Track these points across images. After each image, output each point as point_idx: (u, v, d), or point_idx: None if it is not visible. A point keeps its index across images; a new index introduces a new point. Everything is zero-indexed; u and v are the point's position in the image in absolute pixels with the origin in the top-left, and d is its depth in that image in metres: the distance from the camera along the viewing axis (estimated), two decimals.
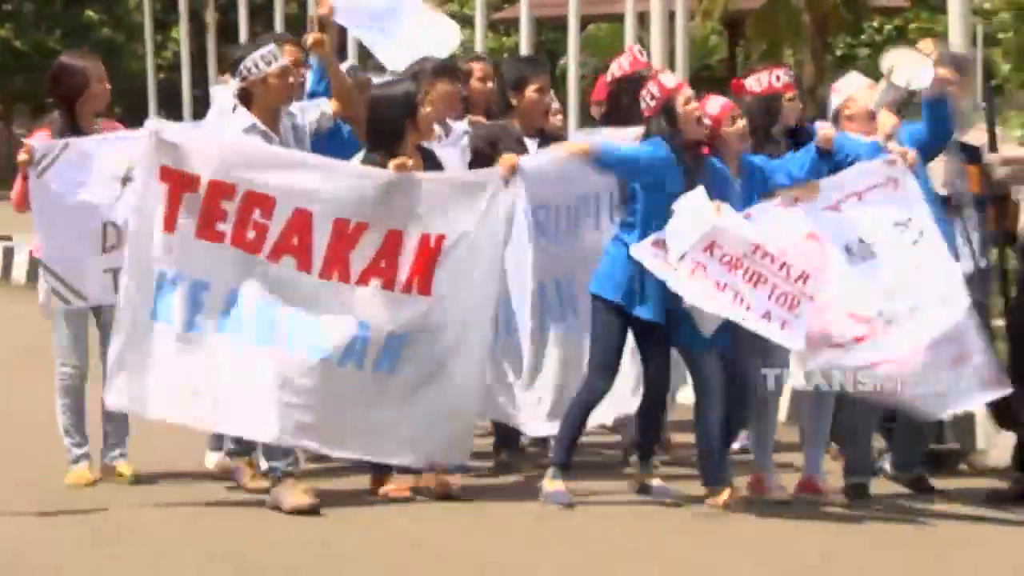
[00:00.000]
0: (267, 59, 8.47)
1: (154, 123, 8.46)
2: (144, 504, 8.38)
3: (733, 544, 7.84)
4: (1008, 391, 8.32)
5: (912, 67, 8.62)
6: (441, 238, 8.42)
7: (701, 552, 7.68)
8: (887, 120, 8.79)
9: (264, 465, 8.52)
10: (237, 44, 22.40)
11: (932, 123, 8.58)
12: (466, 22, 31.43)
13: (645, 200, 8.43)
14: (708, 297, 8.16)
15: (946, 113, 8.64)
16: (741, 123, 8.47)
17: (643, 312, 8.42)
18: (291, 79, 8.67)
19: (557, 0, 18.28)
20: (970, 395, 8.36)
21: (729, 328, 8.31)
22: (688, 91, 8.47)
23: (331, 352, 8.31)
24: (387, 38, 9.56)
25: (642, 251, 8.25)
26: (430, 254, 8.42)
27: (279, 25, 20.47)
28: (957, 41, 10.67)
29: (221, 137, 8.50)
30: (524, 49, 16.61)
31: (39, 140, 8.88)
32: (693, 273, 8.15)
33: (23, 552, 7.54)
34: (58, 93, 8.99)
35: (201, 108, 25.05)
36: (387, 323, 8.38)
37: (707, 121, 8.41)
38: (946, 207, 8.82)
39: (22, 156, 8.77)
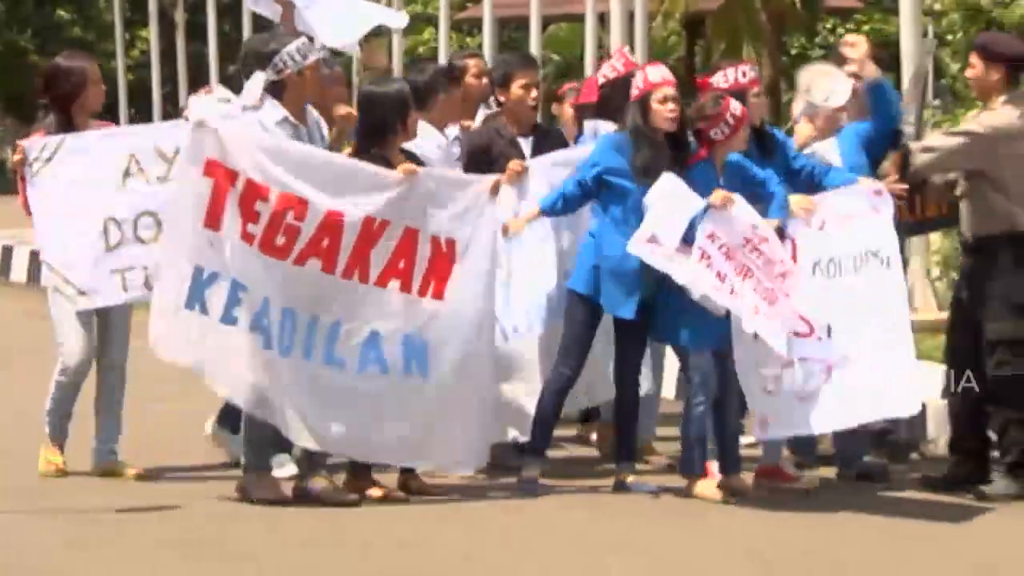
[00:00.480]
0: (303, 52, 8.28)
1: (199, 113, 8.20)
2: (137, 503, 8.21)
3: (718, 535, 7.83)
4: (915, 412, 8.37)
5: (829, 84, 8.73)
6: (452, 243, 8.30)
7: (687, 544, 7.67)
8: (803, 131, 8.89)
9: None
10: (204, 40, 22.29)
11: (876, 107, 8.70)
12: (430, 22, 31.38)
13: (601, 195, 8.51)
14: (716, 288, 8.17)
15: (888, 97, 8.74)
16: (747, 131, 8.50)
17: (607, 306, 8.45)
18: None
19: (519, 0, 18.26)
20: (881, 408, 8.33)
21: (724, 326, 8.36)
22: (667, 90, 8.44)
23: (347, 360, 8.15)
24: (333, 16, 9.51)
25: (639, 247, 8.23)
26: (444, 258, 8.28)
27: (247, 25, 20.40)
28: (908, 42, 10.72)
29: (258, 134, 8.19)
30: (487, 48, 16.59)
31: (34, 140, 8.69)
32: (700, 261, 8.16)
33: (17, 552, 7.38)
34: (55, 94, 8.79)
35: (170, 106, 24.98)
36: (403, 326, 8.21)
37: (731, 121, 8.36)
38: None
39: (16, 156, 8.64)
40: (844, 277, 8.38)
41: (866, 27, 34.07)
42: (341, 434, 8.18)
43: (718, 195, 8.24)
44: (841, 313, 8.34)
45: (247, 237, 8.02)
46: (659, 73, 8.54)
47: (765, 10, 23.31)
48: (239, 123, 8.25)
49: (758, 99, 8.77)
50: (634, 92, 8.50)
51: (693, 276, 8.18)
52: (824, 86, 8.76)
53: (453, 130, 9.23)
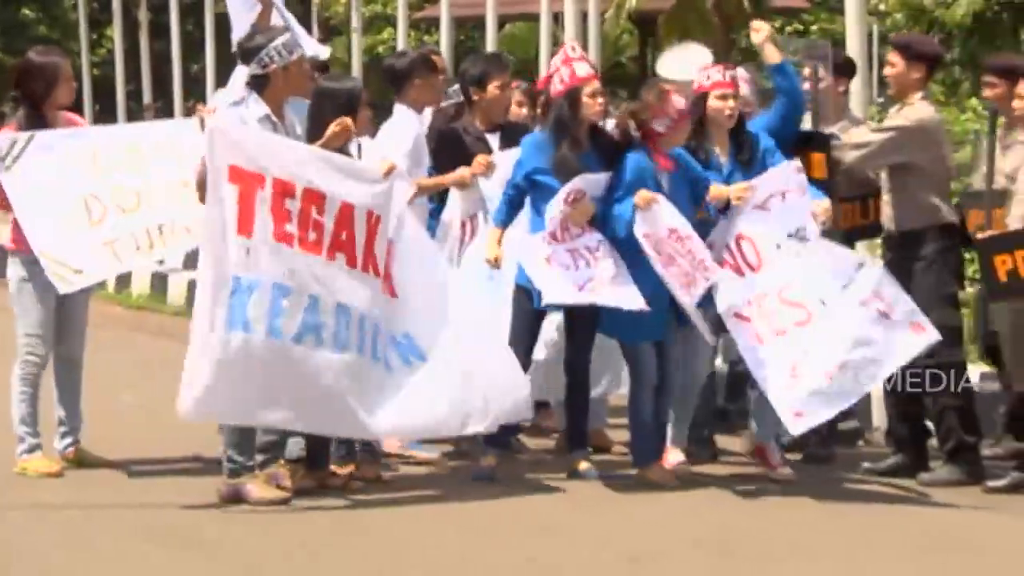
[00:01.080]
0: (289, 47, 8.11)
1: (213, 119, 7.91)
2: (118, 499, 8.11)
3: (675, 521, 7.85)
4: (935, 339, 8.15)
5: (688, 59, 8.86)
6: (393, 243, 8.13)
7: (644, 532, 7.66)
8: None
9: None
10: (168, 39, 22.24)
11: (780, 89, 8.69)
12: (389, 22, 31.33)
13: (531, 193, 8.55)
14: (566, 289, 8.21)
15: (791, 78, 8.73)
16: (689, 126, 8.48)
17: (536, 298, 8.44)
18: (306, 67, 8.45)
19: (476, 0, 18.24)
20: (904, 348, 8.16)
21: (661, 318, 8.37)
22: (596, 84, 8.49)
23: (358, 352, 7.93)
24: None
25: (525, 256, 8.30)
26: (392, 255, 8.11)
27: (209, 24, 20.34)
28: (854, 41, 10.75)
29: (271, 134, 8.00)
30: (444, 47, 16.57)
31: (4, 136, 8.63)
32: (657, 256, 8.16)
33: (7, 550, 7.19)
34: (27, 89, 8.71)
35: (133, 103, 24.85)
36: (392, 324, 8.06)
37: (673, 115, 8.39)
38: None
39: None
40: (808, 248, 8.33)
41: (813, 26, 34.18)
42: (389, 421, 8.01)
43: (641, 196, 8.22)
44: (824, 283, 8.27)
45: (285, 237, 7.76)
46: (585, 68, 8.55)
47: (716, 11, 23.34)
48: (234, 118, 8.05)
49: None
50: (558, 87, 8.50)
51: (555, 288, 8.22)
52: (682, 60, 8.96)
53: (427, 116, 9.30)
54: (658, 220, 8.22)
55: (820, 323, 8.21)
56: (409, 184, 8.40)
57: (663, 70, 8.95)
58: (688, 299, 8.25)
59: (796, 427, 8.26)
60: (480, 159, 8.89)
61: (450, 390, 8.12)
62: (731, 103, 8.54)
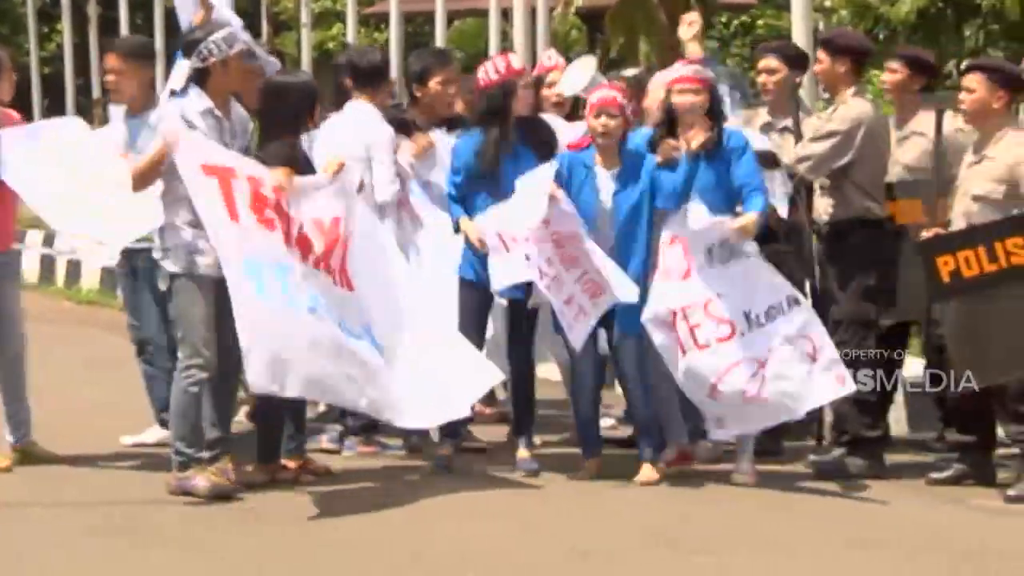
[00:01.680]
0: (228, 41, 8.04)
1: (171, 128, 7.83)
2: (82, 496, 8.04)
3: (627, 513, 7.86)
4: (852, 391, 8.29)
5: (582, 72, 9.24)
6: (350, 235, 8.10)
7: (596, 526, 7.66)
8: None
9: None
10: (117, 34, 22.09)
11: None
12: (339, 18, 31.26)
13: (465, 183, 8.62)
14: (537, 279, 8.23)
15: (712, 71, 8.77)
16: (611, 122, 8.37)
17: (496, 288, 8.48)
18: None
19: None
20: (822, 392, 8.29)
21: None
22: (529, 77, 8.66)
23: (348, 334, 7.92)
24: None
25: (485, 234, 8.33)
26: (344, 248, 8.06)
27: (159, 19, 20.31)
28: (800, 37, 10.82)
29: (223, 148, 7.94)
30: (394, 43, 16.58)
31: None
32: (527, 244, 8.20)
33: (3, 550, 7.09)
34: None
35: (83, 98, 24.72)
36: (356, 315, 8.02)
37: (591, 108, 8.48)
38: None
39: None
40: (738, 260, 8.30)
41: (760, 22, 34.25)
42: (388, 403, 8.01)
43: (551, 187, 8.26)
44: (751, 301, 8.27)
45: (267, 223, 7.78)
46: (519, 61, 8.73)
47: (663, 8, 23.36)
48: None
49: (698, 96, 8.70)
50: (493, 77, 8.54)
51: (511, 270, 8.26)
52: (574, 73, 9.26)
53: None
54: (568, 215, 8.19)
55: (744, 340, 8.23)
56: (359, 177, 8.38)
57: (565, 89, 9.29)
58: (593, 308, 8.24)
59: (717, 433, 8.49)
60: (419, 139, 8.90)
61: (409, 384, 8.06)
62: (689, 97, 8.36)
